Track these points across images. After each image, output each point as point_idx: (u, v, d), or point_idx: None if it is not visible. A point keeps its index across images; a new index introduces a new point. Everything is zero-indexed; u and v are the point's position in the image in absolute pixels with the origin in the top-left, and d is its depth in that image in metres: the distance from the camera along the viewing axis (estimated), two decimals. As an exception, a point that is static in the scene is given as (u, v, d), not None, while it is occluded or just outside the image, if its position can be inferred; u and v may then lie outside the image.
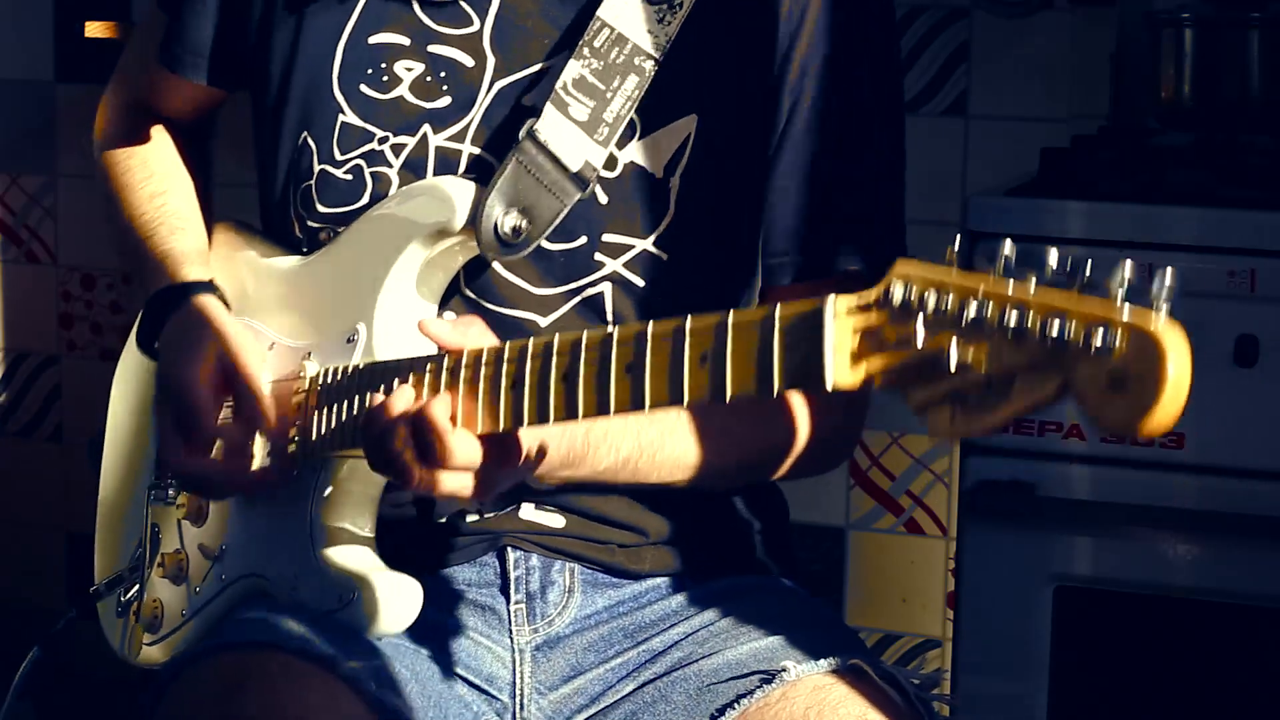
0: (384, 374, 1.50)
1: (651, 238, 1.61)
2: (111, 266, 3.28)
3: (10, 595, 3.40)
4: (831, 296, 1.20)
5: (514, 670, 1.63)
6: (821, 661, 1.52)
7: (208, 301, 1.68)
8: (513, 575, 1.63)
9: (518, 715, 1.62)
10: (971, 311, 1.12)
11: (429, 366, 1.46)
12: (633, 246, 1.61)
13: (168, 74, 1.78)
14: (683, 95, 1.61)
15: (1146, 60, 2.50)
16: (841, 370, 1.20)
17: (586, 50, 1.59)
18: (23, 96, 3.31)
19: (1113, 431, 1.08)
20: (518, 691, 1.62)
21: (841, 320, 1.20)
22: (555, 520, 1.63)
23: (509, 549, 1.63)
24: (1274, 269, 2.12)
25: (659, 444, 1.56)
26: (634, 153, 1.61)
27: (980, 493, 2.23)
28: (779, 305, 1.24)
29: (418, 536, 1.63)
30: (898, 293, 1.16)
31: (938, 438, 1.15)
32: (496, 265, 1.61)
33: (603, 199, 1.61)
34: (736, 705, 1.50)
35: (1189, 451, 2.16)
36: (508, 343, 1.41)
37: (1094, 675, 2.23)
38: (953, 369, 1.13)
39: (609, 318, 1.62)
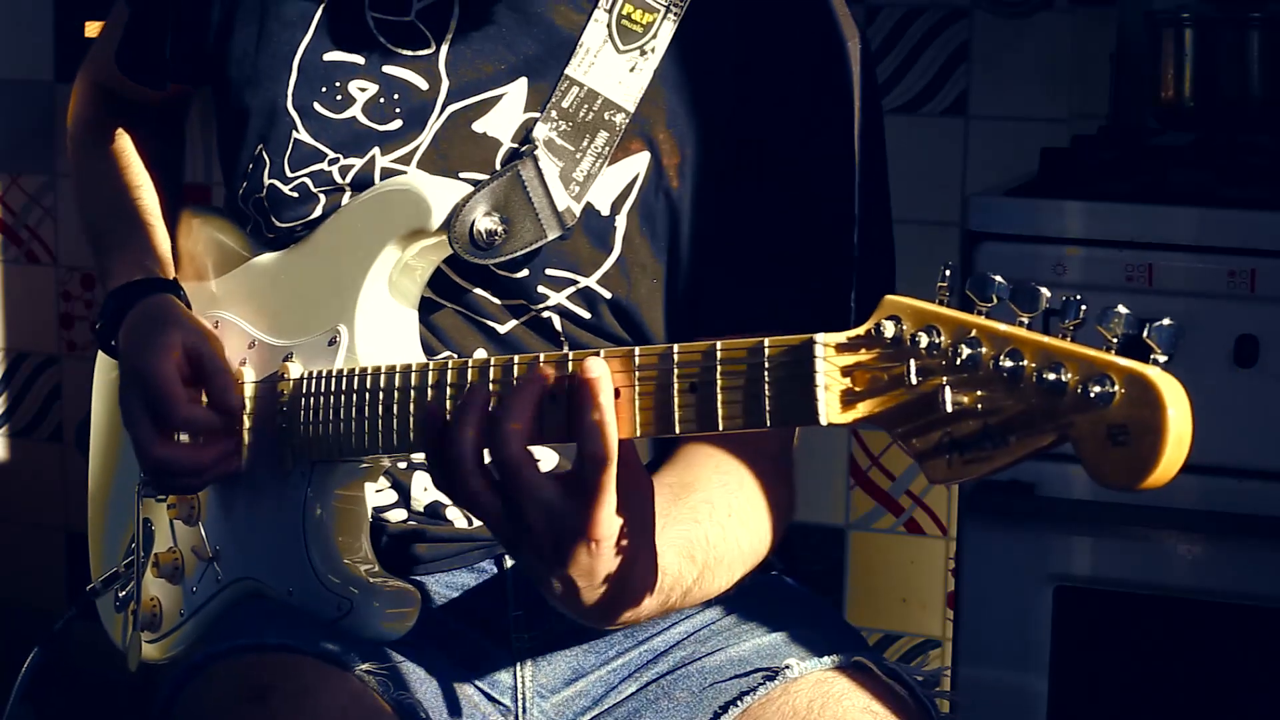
0: (374, 380, 1.47)
1: (595, 276, 1.58)
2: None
3: (10, 595, 3.39)
4: (820, 334, 1.17)
5: (515, 674, 1.62)
6: (825, 658, 1.52)
7: (169, 298, 1.68)
8: (511, 581, 1.63)
9: (520, 719, 1.61)
10: (965, 353, 1.09)
11: (430, 378, 1.40)
12: (575, 282, 1.58)
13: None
14: (639, 135, 1.59)
15: (1146, 60, 2.50)
16: (833, 409, 1.16)
17: (555, 112, 1.56)
18: (23, 96, 3.31)
19: (1113, 487, 1.04)
20: (519, 695, 1.62)
21: (831, 355, 1.16)
22: None
23: (507, 555, 1.63)
24: (1274, 269, 2.11)
25: (695, 584, 1.45)
26: None
27: (980, 493, 2.23)
28: (767, 340, 1.20)
29: (415, 542, 1.62)
30: (889, 329, 1.13)
31: (936, 483, 1.13)
32: (458, 275, 1.59)
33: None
34: (740, 702, 1.50)
35: (1189, 452, 2.15)
36: (517, 356, 1.34)
37: (1094, 675, 2.23)
38: (948, 411, 1.10)
39: (561, 337, 1.60)
